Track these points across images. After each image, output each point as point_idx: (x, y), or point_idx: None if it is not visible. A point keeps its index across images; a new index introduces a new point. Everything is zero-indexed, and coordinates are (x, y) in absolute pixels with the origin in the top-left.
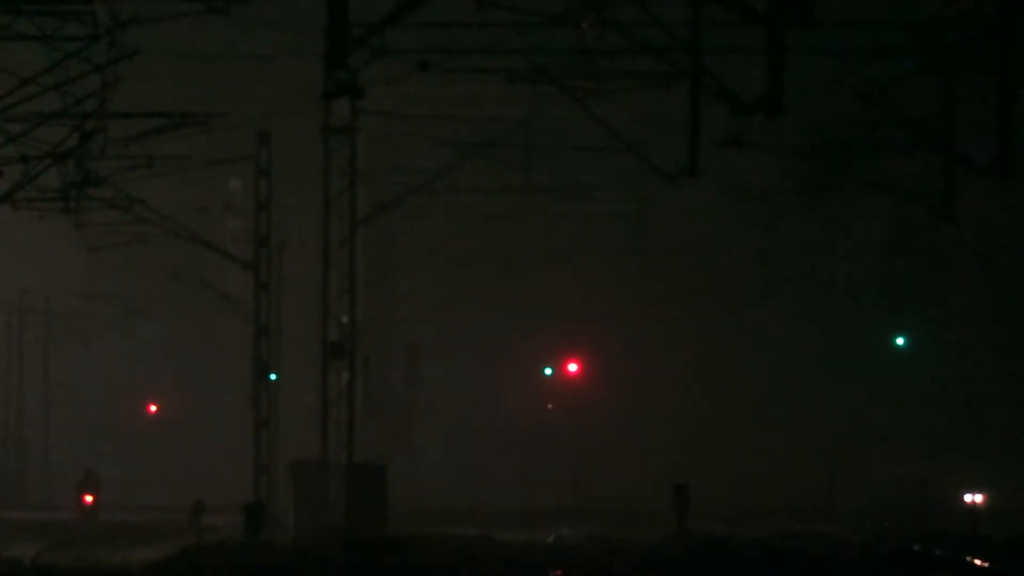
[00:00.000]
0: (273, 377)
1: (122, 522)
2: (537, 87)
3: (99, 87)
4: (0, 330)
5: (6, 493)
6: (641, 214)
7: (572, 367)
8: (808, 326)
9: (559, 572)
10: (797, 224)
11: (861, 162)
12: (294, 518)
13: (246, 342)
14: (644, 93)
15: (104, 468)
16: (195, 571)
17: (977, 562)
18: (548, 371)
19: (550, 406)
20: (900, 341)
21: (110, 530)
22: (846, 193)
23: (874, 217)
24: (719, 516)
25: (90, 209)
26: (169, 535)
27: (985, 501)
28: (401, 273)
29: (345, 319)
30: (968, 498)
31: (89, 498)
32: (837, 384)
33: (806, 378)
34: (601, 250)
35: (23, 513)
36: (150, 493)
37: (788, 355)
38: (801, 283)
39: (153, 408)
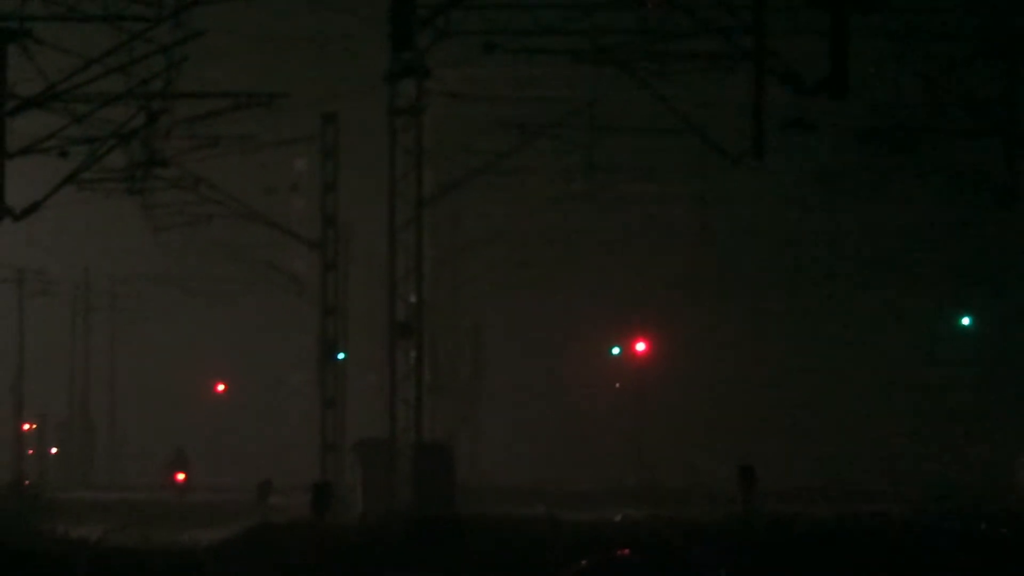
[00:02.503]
0: (341, 356)
1: (188, 501)
2: (601, 68)
3: (164, 68)
4: (66, 311)
5: (74, 473)
6: (705, 196)
7: (640, 347)
8: (872, 307)
9: (626, 551)
10: (861, 206)
11: (924, 145)
12: (361, 498)
13: (313, 321)
14: (708, 74)
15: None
16: (262, 551)
17: None
18: (616, 350)
19: (617, 385)
20: (966, 321)
21: (175, 509)
22: (909, 175)
23: (938, 199)
24: (782, 497)
25: (155, 189)
26: (236, 514)
27: None
28: (467, 253)
29: (413, 299)
30: None
31: (181, 476)
32: (902, 365)
33: (871, 359)
34: (666, 231)
35: (99, 492)
36: (218, 472)
37: (852, 336)
38: (865, 265)
39: (221, 387)
